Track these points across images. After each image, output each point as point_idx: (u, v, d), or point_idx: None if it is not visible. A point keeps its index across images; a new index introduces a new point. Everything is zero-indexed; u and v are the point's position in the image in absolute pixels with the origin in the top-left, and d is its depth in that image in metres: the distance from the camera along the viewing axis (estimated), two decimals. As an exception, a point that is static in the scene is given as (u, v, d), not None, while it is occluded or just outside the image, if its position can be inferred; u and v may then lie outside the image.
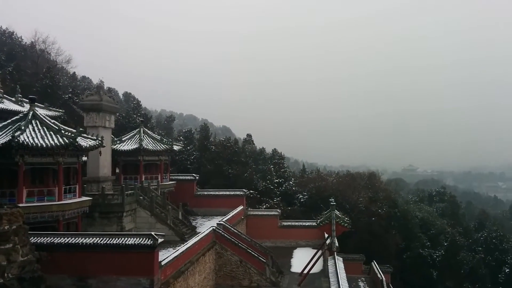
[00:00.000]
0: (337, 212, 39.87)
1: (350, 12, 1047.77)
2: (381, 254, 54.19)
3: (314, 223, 46.47)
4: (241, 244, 35.69)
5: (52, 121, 28.60)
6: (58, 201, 26.65)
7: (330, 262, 34.99)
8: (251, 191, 57.89)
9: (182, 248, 27.39)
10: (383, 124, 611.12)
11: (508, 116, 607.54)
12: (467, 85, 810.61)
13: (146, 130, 45.73)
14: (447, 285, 63.05)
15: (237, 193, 50.00)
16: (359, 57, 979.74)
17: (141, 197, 35.16)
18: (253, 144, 79.60)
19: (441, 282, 63.11)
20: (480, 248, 74.73)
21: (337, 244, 38.05)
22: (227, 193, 50.06)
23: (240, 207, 47.59)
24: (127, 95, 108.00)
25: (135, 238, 22.12)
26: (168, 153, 44.75)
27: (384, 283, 36.27)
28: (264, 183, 62.91)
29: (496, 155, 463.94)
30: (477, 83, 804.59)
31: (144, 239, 21.94)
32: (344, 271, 32.89)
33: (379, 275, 38.27)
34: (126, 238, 22.23)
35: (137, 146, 41.35)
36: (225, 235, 35.59)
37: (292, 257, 43.08)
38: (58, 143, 26.07)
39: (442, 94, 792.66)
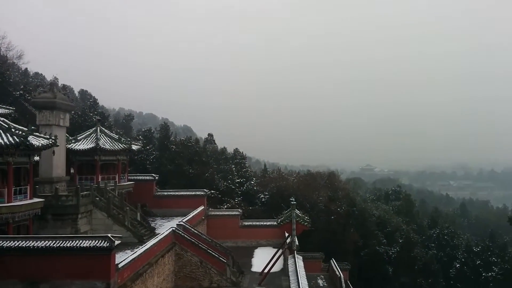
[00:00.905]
0: (297, 211, 40.38)
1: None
2: (339, 252, 55.43)
3: (275, 223, 46.96)
4: (201, 244, 35.38)
5: (2, 119, 27.14)
6: (7, 203, 25.32)
7: (290, 261, 35.35)
8: (212, 191, 57.62)
9: (140, 250, 26.78)
10: (342, 125, 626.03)
11: (458, 118, 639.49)
12: (423, 88, 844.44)
13: (103, 129, 44.38)
14: (402, 281, 65.22)
15: (198, 193, 49.54)
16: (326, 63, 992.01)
17: (98, 198, 34.07)
18: (215, 143, 79.32)
19: (396, 278, 65.24)
20: (433, 244, 77.78)
21: (297, 243, 38.51)
22: (188, 193, 49.48)
23: (201, 208, 47.18)
24: (83, 92, 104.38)
25: (90, 241, 21.43)
26: (127, 153, 43.63)
27: (342, 280, 37.03)
28: (225, 183, 62.77)
29: (448, 155, 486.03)
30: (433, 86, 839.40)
31: (100, 241, 21.30)
32: (304, 270, 33.31)
33: (337, 273, 39.03)
34: (80, 241, 21.50)
35: (93, 145, 40.01)
36: (185, 236, 35.15)
37: (253, 257, 43.18)
38: (7, 142, 24.78)
39: (399, 96, 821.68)
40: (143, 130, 75.62)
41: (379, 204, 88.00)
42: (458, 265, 72.85)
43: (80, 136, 42.07)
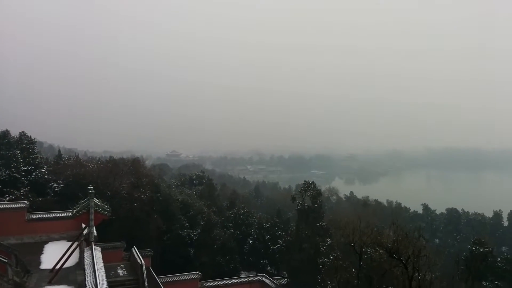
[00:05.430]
0: (96, 200, 37.78)
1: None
2: (143, 239, 54.82)
3: (70, 214, 43.05)
4: (-27, 245, 29.64)
5: None
6: None
7: (87, 253, 32.91)
8: (-10, 182, 49.21)
9: None
10: (148, 111, 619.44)
11: (256, 109, 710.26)
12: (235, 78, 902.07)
13: None
14: (203, 260, 68.53)
15: (-30, 184, 41.38)
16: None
17: None
18: (-6, 125, 67.71)
19: (197, 258, 68.19)
20: (231, 224, 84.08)
21: (95, 234, 36.14)
22: (-45, 184, 40.81)
23: (-26, 201, 39.58)
24: None
25: None
26: None
27: (143, 267, 36.50)
28: (7, 172, 54.66)
29: (246, 142, 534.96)
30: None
31: None
32: (102, 261, 31.53)
33: (138, 260, 38.28)
34: None
35: None
36: (-51, 236, 28.87)
37: (43, 253, 38.67)
38: None
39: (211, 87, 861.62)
40: None
41: (183, 189, 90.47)
42: (251, 241, 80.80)
43: None
